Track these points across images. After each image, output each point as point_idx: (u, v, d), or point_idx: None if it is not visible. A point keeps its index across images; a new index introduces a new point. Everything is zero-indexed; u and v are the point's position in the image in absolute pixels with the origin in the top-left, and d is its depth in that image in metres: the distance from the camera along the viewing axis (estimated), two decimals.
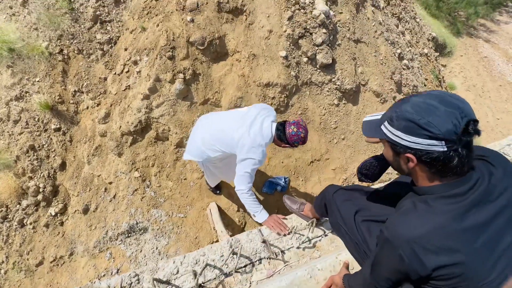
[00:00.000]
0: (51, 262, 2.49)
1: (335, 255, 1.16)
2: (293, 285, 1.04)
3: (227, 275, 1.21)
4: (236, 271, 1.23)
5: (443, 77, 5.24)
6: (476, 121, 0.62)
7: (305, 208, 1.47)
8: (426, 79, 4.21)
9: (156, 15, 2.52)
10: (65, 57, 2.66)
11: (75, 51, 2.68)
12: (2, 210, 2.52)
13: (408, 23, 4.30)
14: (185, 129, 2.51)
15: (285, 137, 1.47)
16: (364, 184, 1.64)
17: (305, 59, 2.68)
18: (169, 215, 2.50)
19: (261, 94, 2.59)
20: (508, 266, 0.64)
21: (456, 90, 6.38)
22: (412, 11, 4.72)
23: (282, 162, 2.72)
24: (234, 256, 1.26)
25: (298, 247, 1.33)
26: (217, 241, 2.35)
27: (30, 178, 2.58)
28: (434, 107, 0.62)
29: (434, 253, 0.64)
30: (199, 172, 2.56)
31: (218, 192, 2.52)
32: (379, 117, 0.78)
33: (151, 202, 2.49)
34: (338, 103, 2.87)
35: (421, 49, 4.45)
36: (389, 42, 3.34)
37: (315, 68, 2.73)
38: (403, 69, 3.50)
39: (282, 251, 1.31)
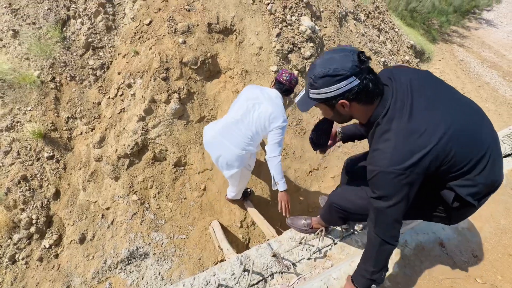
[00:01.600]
0: None
1: (349, 263, 1.15)
2: None
3: None
4: None
5: None
6: (363, 52, 0.77)
7: (313, 222, 1.45)
8: None
9: (148, 39, 2.58)
10: (57, 84, 2.65)
11: (68, 78, 2.69)
12: None
13: (388, 33, 4.54)
14: (182, 148, 2.50)
15: (283, 85, 1.75)
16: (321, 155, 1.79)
17: (295, 72, 2.76)
18: (171, 237, 2.42)
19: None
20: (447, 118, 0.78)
21: None
22: (390, 22, 5.01)
23: None
24: (246, 273, 1.22)
25: (309, 258, 1.31)
26: (222, 260, 2.28)
27: (22, 210, 2.48)
28: (332, 58, 0.78)
29: (413, 153, 0.76)
30: (199, 190, 2.52)
31: (248, 194, 2.48)
32: (303, 93, 0.91)
33: (151, 225, 2.42)
34: None
35: (403, 57, 4.68)
36: (373, 51, 3.51)
37: None
38: None
39: (294, 264, 1.29)
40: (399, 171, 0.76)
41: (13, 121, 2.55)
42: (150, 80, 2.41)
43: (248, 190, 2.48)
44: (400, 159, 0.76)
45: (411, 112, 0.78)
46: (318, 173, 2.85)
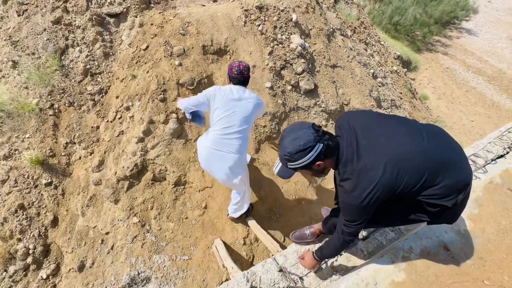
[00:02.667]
0: None
1: (356, 273, 1.14)
2: None
3: None
4: None
5: (415, 89, 5.67)
6: (314, 123, 1.01)
7: (315, 230, 1.47)
8: (401, 93, 4.54)
9: (145, 63, 2.67)
10: (56, 111, 2.69)
11: (66, 104, 2.73)
12: None
13: (375, 46, 4.75)
14: (181, 167, 2.51)
15: (237, 79, 1.84)
16: None
17: (289, 87, 2.85)
18: (173, 259, 2.36)
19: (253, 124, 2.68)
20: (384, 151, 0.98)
21: (428, 99, 6.85)
22: (376, 35, 5.25)
23: (282, 187, 2.73)
24: None
25: (315, 271, 1.30)
26: (227, 279, 2.22)
27: (19, 240, 2.42)
28: (297, 137, 0.99)
29: (365, 188, 0.97)
30: (200, 209, 2.50)
31: (250, 210, 2.45)
32: (280, 165, 1.11)
33: (152, 248, 2.37)
34: (326, 123, 3.01)
35: (391, 67, 4.86)
36: (361, 64, 3.65)
37: (300, 94, 2.91)
38: (379, 86, 3.78)
39: (301, 278, 1.27)
40: (357, 204, 0.98)
41: (11, 150, 2.55)
42: (148, 102, 2.47)
43: (249, 206, 2.47)
44: (357, 195, 0.98)
45: (358, 155, 0.98)
46: (319, 184, 2.86)
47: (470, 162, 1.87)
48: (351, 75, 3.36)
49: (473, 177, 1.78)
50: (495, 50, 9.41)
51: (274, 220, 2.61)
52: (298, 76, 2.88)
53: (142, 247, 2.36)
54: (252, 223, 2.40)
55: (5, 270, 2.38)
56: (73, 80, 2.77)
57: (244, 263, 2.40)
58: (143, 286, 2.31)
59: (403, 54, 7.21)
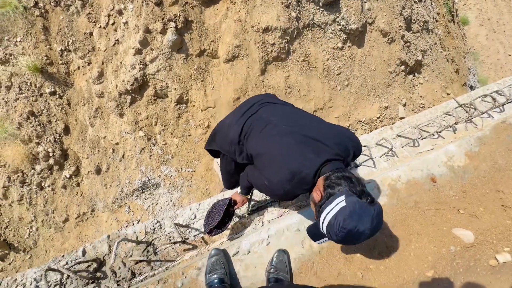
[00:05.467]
0: (76, 218, 2.71)
1: None
2: (303, 221, 1.14)
3: (241, 217, 1.31)
4: (248, 214, 1.33)
5: (456, 10, 4.79)
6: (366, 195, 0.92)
7: None
8: (438, 14, 3.84)
9: None
10: (42, 10, 2.41)
11: (52, 3, 2.42)
12: (19, 176, 2.63)
13: None
14: (183, 84, 2.42)
15: None
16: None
17: None
18: (179, 171, 2.60)
19: (260, 41, 2.41)
20: None
21: (469, 25, 5.89)
22: None
23: None
24: None
25: None
26: None
27: (38, 143, 2.62)
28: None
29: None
30: (202, 127, 2.56)
31: None
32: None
33: (159, 160, 2.57)
34: (342, 46, 2.69)
35: None
36: None
37: (318, 7, 2.48)
38: (414, 2, 3.17)
39: None
40: None
41: (6, 54, 2.44)
42: (142, 6, 2.16)
43: None
44: None
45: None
46: (323, 112, 2.81)
47: (490, 100, 1.74)
48: None
49: (486, 116, 1.69)
50: None
51: None
52: None
53: (150, 158, 2.57)
54: None
55: (33, 168, 2.69)
56: None
57: None
58: (154, 190, 2.64)
59: None
